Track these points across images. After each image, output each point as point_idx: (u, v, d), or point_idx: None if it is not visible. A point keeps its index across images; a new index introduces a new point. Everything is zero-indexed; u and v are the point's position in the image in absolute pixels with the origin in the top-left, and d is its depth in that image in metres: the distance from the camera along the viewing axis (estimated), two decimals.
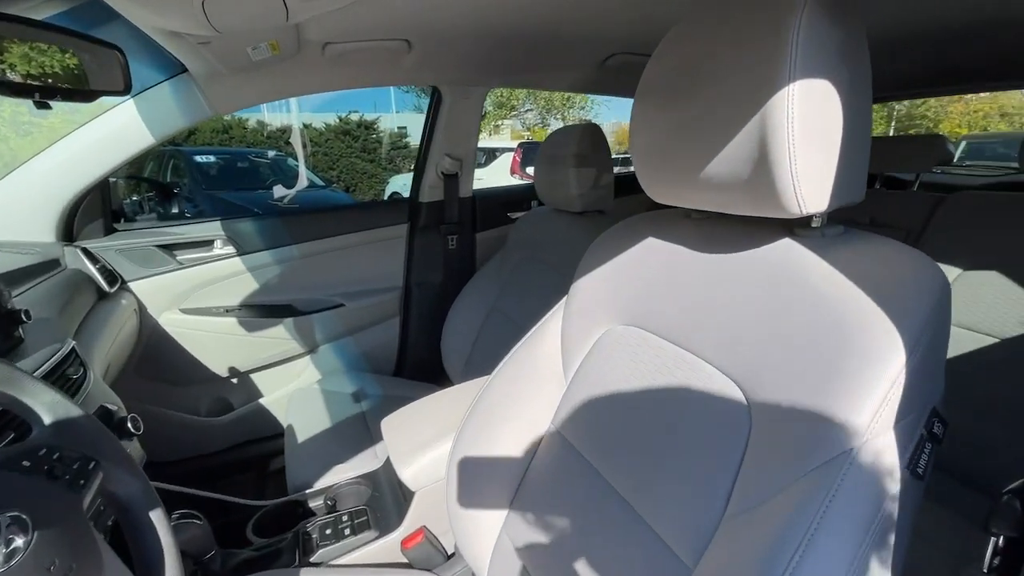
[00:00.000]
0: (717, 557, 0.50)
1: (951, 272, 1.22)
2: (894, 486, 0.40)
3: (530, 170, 7.51)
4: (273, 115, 9.88)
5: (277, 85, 1.27)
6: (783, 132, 0.46)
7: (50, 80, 0.62)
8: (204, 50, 0.93)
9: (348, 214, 1.64)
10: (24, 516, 0.41)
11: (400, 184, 8.45)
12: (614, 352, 0.72)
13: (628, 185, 1.69)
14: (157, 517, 0.55)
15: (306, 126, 9.88)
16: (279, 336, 1.58)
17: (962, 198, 1.32)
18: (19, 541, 0.40)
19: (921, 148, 1.83)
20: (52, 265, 1.14)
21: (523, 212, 1.85)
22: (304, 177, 6.34)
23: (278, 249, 1.54)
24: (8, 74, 0.56)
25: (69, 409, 0.53)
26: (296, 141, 9.18)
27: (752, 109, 0.48)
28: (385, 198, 8.79)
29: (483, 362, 1.52)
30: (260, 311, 1.56)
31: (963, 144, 7.41)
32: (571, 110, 14.43)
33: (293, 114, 9.55)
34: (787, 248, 0.55)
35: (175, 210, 1.74)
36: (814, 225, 0.55)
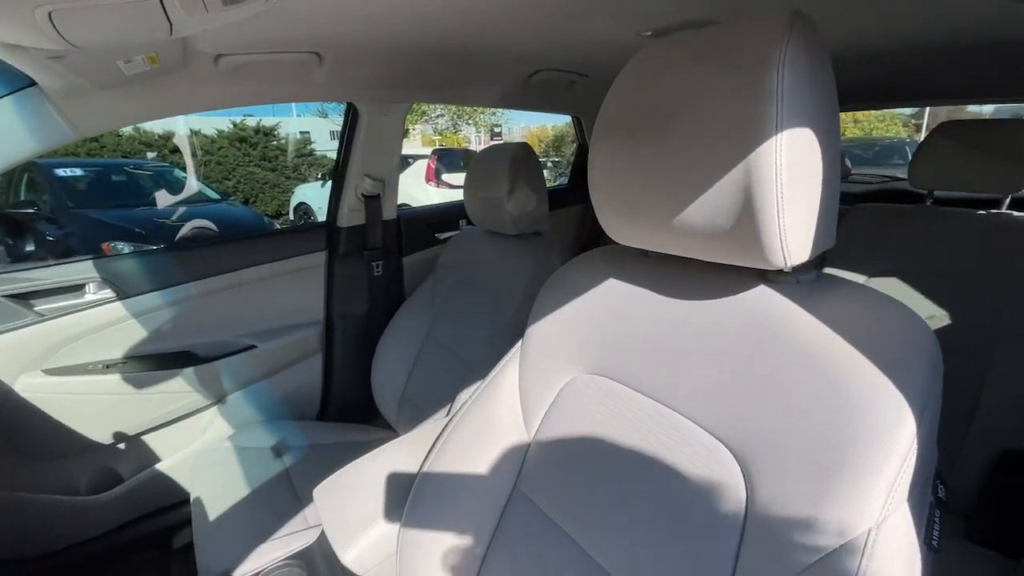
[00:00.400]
0: None
1: (858, 279, 1.32)
2: (916, 566, 0.38)
3: (447, 177, 7.38)
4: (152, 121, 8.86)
5: (160, 102, 1.08)
6: (770, 183, 0.43)
7: None
8: (56, 64, 0.75)
9: (256, 244, 1.46)
10: None
11: (308, 194, 7.94)
12: (581, 404, 0.67)
13: (554, 200, 1.67)
14: None
15: (194, 132, 8.97)
16: (177, 389, 1.36)
17: (861, 211, 1.44)
18: None
19: None
20: None
21: (452, 232, 1.77)
22: (193, 188, 5.71)
23: (171, 289, 1.32)
24: None
25: None
26: (184, 149, 8.29)
27: (734, 156, 0.45)
28: (291, 209, 8.21)
29: (420, 397, 1.41)
30: (151, 362, 1.33)
31: None
32: (482, 115, 14.47)
33: (179, 119, 8.61)
34: (763, 296, 0.53)
35: (29, 247, 1.42)
36: (786, 270, 0.53)
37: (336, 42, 1.04)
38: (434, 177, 7.56)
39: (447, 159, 7.70)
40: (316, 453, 1.34)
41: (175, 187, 5.61)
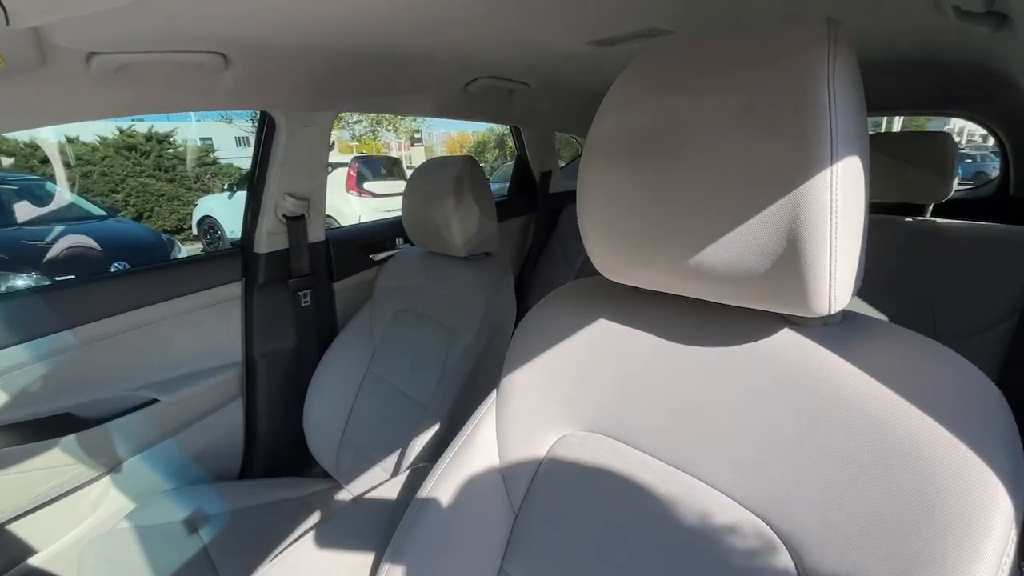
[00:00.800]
0: None
1: None
2: None
3: (369, 186, 7.06)
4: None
5: (14, 110, 0.85)
6: (824, 224, 0.36)
7: None
8: None
9: (155, 276, 1.22)
10: None
11: (213, 207, 7.26)
12: (575, 467, 0.57)
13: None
14: None
15: (70, 140, 7.89)
16: (54, 463, 1.10)
17: None
18: None
19: None
20: None
21: (388, 253, 1.61)
22: (65, 200, 4.98)
23: (44, 339, 1.07)
24: None
25: None
26: (54, 158, 7.24)
27: (778, 191, 0.37)
28: (194, 223, 7.47)
29: (363, 441, 1.26)
30: (19, 433, 1.06)
31: None
32: (402, 121, 14.11)
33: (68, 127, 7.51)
34: (790, 341, 0.47)
35: None
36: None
37: (245, 41, 0.88)
38: (355, 186, 7.21)
39: (369, 166, 7.38)
40: (241, 520, 1.14)
41: (46, 203, 4.85)
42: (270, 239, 1.32)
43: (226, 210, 7.13)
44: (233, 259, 1.34)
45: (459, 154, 1.24)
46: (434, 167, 1.20)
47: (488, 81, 1.38)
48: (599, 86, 1.62)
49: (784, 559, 0.42)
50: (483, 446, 0.65)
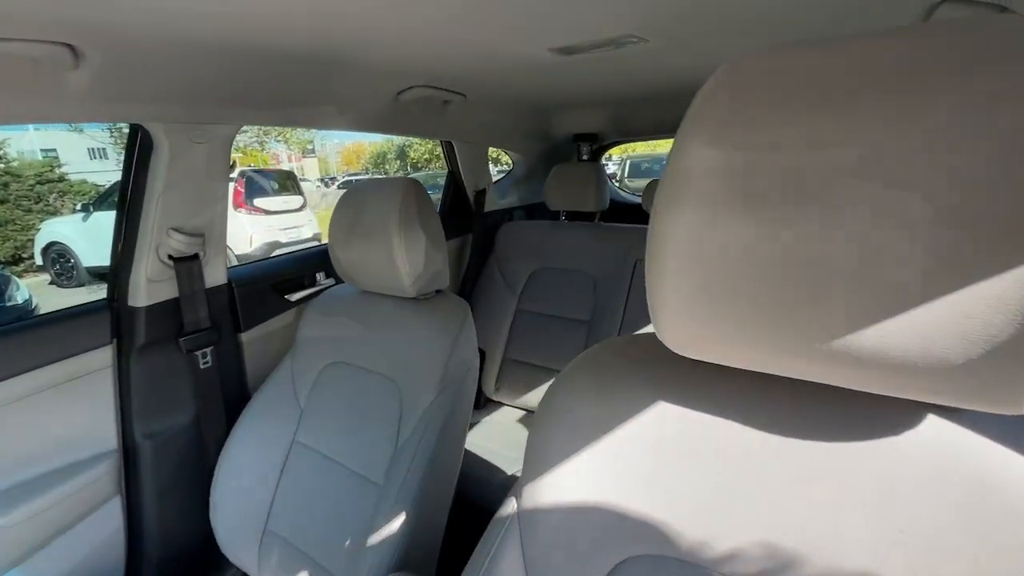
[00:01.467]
0: None
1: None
2: None
3: (260, 202, 6.40)
4: None
5: None
6: None
7: None
8: None
9: None
10: None
11: (63, 231, 6.15)
12: None
13: None
14: None
15: None
16: None
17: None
18: None
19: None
20: None
21: (308, 291, 1.35)
22: None
23: None
24: None
25: None
26: None
27: (997, 250, 0.26)
28: (37, 251, 6.26)
29: (291, 532, 1.01)
30: None
31: (627, 164, 8.46)
32: (293, 132, 13.15)
33: None
34: (940, 431, 0.36)
35: None
36: None
37: (102, 27, 0.63)
38: (243, 202, 6.50)
39: (259, 181, 6.70)
40: None
41: None
42: (151, 288, 1.02)
43: (80, 234, 6.07)
44: (98, 316, 1.01)
45: (400, 176, 1.05)
46: (369, 190, 1.00)
47: (422, 91, 1.20)
48: (552, 97, 1.51)
49: None
50: None
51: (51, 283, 6.23)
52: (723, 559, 0.41)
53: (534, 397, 1.68)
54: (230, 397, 1.16)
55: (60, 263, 6.18)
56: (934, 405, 0.37)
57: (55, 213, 7.33)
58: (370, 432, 0.97)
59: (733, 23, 0.80)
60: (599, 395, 0.48)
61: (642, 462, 0.45)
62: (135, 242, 1.00)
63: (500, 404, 1.80)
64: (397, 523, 0.82)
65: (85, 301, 1.05)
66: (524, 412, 1.74)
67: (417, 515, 0.83)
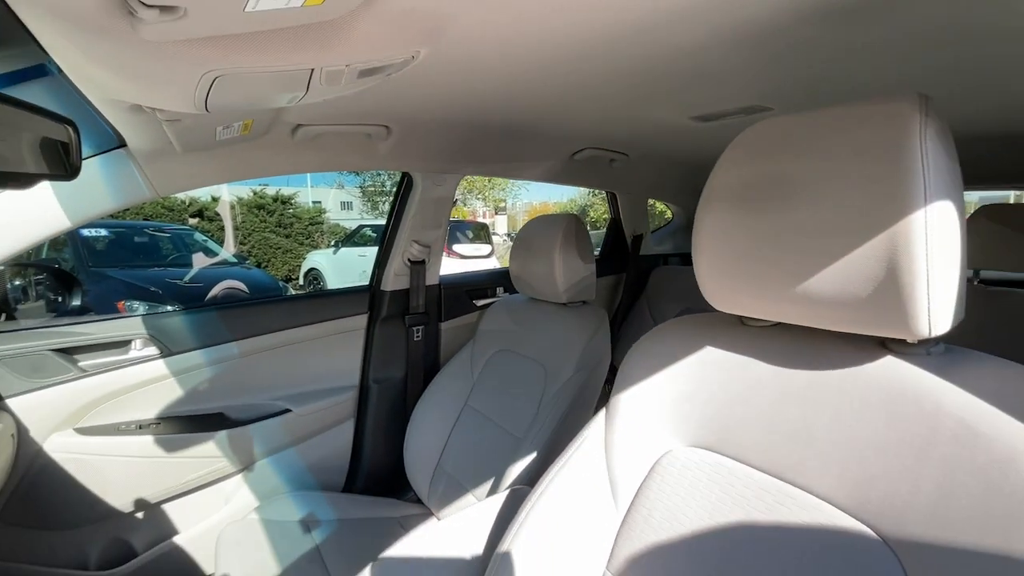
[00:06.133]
0: None
1: None
2: None
3: (457, 248, 7.55)
4: None
5: (234, 166, 1.12)
6: (918, 250, 0.43)
7: None
8: (167, 127, 0.78)
9: (300, 305, 1.45)
10: None
11: (320, 261, 8.08)
12: (683, 481, 0.63)
13: None
14: None
15: (214, 199, 9.30)
16: (207, 454, 1.29)
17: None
18: None
19: None
20: None
21: (489, 300, 1.77)
22: (211, 252, 5.84)
23: (214, 348, 1.30)
24: None
25: None
26: (225, 215, 8.78)
27: (877, 224, 0.45)
28: (302, 274, 8.32)
29: (456, 471, 1.34)
30: (183, 424, 1.28)
31: None
32: (492, 191, 15.06)
33: (223, 187, 9.08)
34: (895, 368, 0.52)
35: (76, 302, 1.42)
36: (912, 341, 0.52)
37: (407, 117, 1.10)
38: (446, 247, 7.72)
39: (459, 230, 7.90)
40: (346, 528, 1.25)
41: (193, 250, 5.74)
42: (396, 279, 1.53)
43: (330, 264, 7.91)
44: (362, 295, 1.55)
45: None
46: (544, 222, 1.35)
47: (592, 152, 1.55)
48: (697, 157, 1.74)
49: (887, 558, 0.45)
50: (591, 459, 0.72)
51: None
52: (733, 448, 0.60)
53: None
54: (427, 366, 1.60)
55: (314, 284, 8.12)
56: (890, 350, 0.53)
57: (316, 247, 9.67)
58: (520, 401, 1.28)
59: (840, 93, 0.96)
60: (671, 342, 0.71)
61: (689, 384, 0.66)
62: (392, 247, 1.52)
63: None
64: (527, 460, 1.10)
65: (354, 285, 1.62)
66: None
67: (544, 455, 1.09)
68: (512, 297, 1.53)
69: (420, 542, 0.89)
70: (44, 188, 0.96)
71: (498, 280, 1.82)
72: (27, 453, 1.08)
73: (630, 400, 0.71)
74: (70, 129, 0.56)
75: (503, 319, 1.47)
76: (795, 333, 0.61)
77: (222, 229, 9.05)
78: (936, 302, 0.45)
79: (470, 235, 7.96)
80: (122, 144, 0.98)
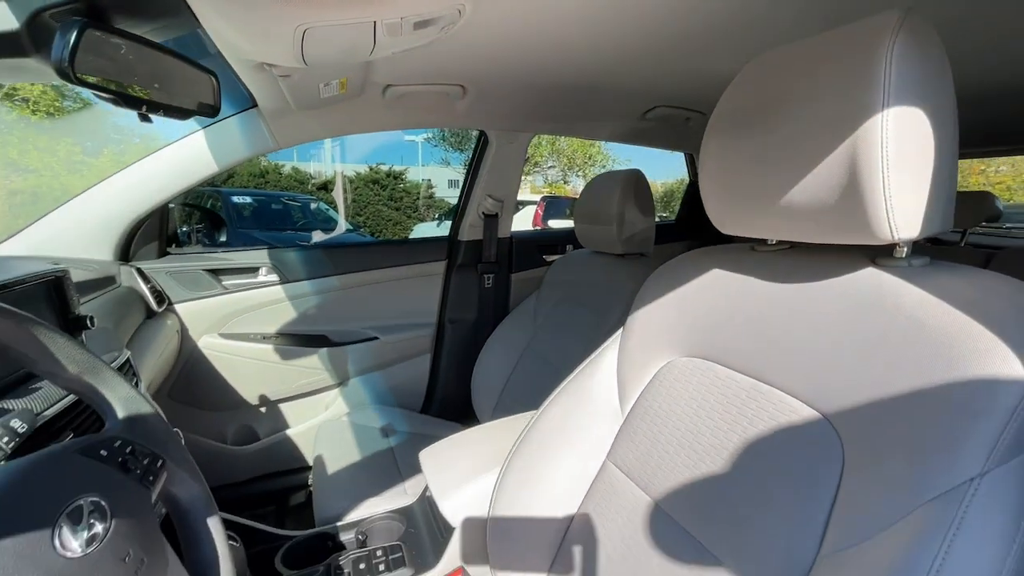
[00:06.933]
0: None
1: None
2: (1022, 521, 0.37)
3: (552, 222, 7.66)
4: (306, 163, 10.45)
5: (337, 122, 1.34)
6: (875, 155, 0.47)
7: (154, 97, 0.66)
8: (283, 84, 0.99)
9: (389, 249, 1.68)
10: (103, 503, 0.40)
11: (422, 231, 8.67)
12: (678, 384, 0.70)
13: (660, 233, 1.71)
14: (215, 524, 0.53)
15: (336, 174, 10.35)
16: (311, 366, 1.58)
17: (1009, 254, 1.31)
18: (99, 527, 0.38)
19: (970, 204, 1.82)
20: (108, 282, 1.17)
21: (558, 256, 1.87)
22: (336, 221, 6.60)
23: (319, 279, 1.57)
24: (127, 89, 0.61)
25: (141, 405, 0.53)
26: (338, 188, 9.81)
27: (842, 134, 0.49)
28: None
29: (514, 403, 1.49)
30: (295, 340, 1.56)
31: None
32: (592, 168, 14.85)
33: (337, 163, 10.21)
34: (872, 277, 0.55)
35: (222, 239, 1.84)
36: (898, 255, 0.54)
37: (480, 76, 1.23)
38: (540, 222, 7.88)
39: (554, 206, 8.00)
40: (417, 440, 1.46)
41: (317, 218, 6.53)
42: (471, 230, 1.69)
43: (429, 235, 8.46)
44: (442, 244, 1.74)
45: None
46: (610, 176, 1.42)
47: (665, 110, 1.56)
48: None
49: (833, 439, 0.50)
50: (605, 368, 0.81)
51: None
52: (724, 356, 0.66)
53: None
54: (497, 310, 1.75)
55: None
56: (871, 262, 0.56)
57: (422, 220, 10.36)
58: (573, 344, 1.38)
59: None
60: (684, 267, 0.77)
61: (694, 302, 0.72)
62: (469, 200, 1.68)
63: None
64: None
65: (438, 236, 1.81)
66: None
67: None
68: (576, 252, 1.62)
69: (468, 436, 1.06)
70: (199, 141, 1.25)
71: (569, 238, 1.91)
72: (187, 347, 1.42)
73: (642, 318, 0.79)
74: (212, 79, 0.77)
75: (565, 271, 1.57)
76: (798, 254, 0.65)
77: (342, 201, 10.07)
78: (898, 207, 0.47)
79: (567, 212, 8.02)
80: (254, 104, 1.23)
